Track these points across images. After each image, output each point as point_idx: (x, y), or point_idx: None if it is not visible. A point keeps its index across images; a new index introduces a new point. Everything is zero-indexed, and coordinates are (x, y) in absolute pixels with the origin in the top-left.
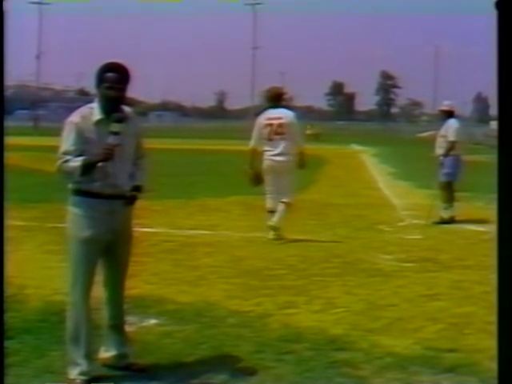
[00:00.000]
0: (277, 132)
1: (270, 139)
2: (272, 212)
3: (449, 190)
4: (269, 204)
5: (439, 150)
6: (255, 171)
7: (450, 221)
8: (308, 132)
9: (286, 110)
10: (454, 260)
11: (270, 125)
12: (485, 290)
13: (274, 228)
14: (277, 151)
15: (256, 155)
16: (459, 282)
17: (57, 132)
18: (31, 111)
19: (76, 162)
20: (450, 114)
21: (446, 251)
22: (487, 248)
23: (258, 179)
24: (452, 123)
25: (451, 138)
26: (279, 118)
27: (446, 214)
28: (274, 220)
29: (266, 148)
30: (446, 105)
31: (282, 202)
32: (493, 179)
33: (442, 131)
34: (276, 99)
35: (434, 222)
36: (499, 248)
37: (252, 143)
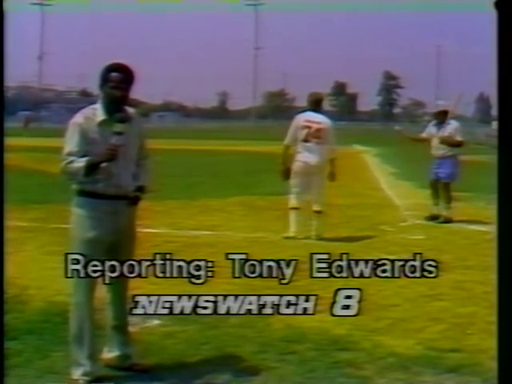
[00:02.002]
0: (314, 135)
1: (306, 141)
2: (295, 209)
3: (444, 190)
4: (293, 201)
5: (438, 151)
6: (287, 167)
7: (448, 220)
8: None
9: (325, 117)
10: (457, 260)
11: (309, 127)
12: (487, 290)
13: (317, 236)
14: (311, 154)
15: (289, 152)
16: (461, 282)
17: (58, 133)
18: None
19: (80, 163)
20: (444, 114)
21: (448, 251)
22: (489, 248)
23: (288, 174)
24: (455, 123)
25: (460, 137)
26: (319, 123)
27: (447, 213)
28: (316, 232)
29: (300, 149)
30: (442, 105)
31: (316, 212)
32: (494, 179)
33: (441, 132)
34: (317, 104)
35: (437, 221)
36: (499, 248)
37: (287, 140)
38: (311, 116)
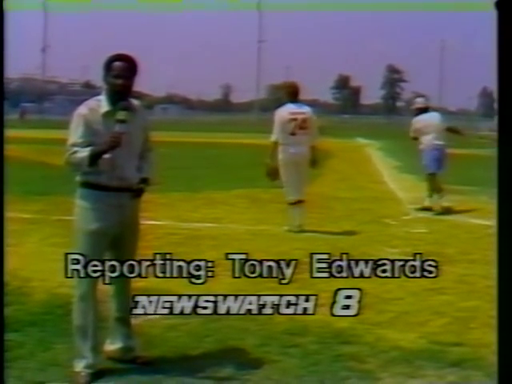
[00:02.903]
0: (301, 127)
1: (294, 133)
2: (295, 203)
3: (432, 182)
4: (291, 197)
5: (420, 145)
6: (275, 165)
7: (430, 209)
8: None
9: (306, 106)
10: (459, 254)
11: (295, 119)
12: (490, 284)
13: (299, 227)
14: (300, 145)
15: (276, 148)
16: (464, 275)
17: (61, 125)
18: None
19: (84, 153)
20: (423, 111)
21: (451, 245)
22: (492, 242)
23: (276, 174)
24: (414, 120)
25: (411, 134)
26: (303, 113)
27: (429, 203)
28: (298, 224)
29: (288, 142)
30: (419, 102)
31: (298, 202)
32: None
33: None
34: (296, 94)
35: (420, 208)
36: (499, 242)
37: (275, 136)
38: (294, 108)
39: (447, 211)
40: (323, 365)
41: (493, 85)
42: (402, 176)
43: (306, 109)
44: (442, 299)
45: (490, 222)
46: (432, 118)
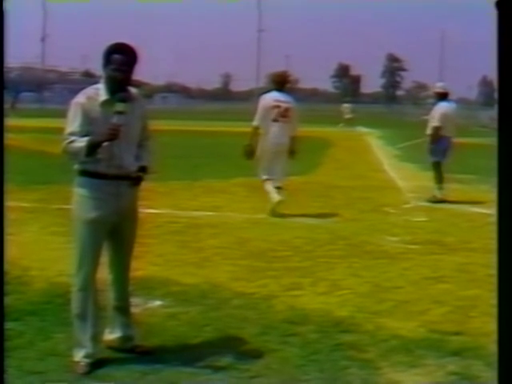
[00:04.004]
0: (283, 115)
1: (275, 120)
2: (267, 180)
3: (437, 170)
4: (264, 175)
5: (428, 131)
6: (252, 147)
7: (441, 201)
8: (347, 116)
9: (290, 96)
10: (460, 242)
11: (278, 107)
12: (490, 272)
13: (280, 202)
14: (281, 133)
15: (257, 133)
16: (464, 264)
17: (61, 114)
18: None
19: (81, 143)
20: (442, 97)
21: (452, 234)
22: (493, 231)
23: (252, 154)
24: (439, 107)
25: (436, 122)
26: (287, 102)
27: (439, 194)
28: (278, 197)
29: (270, 128)
30: (439, 86)
31: (277, 188)
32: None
33: (431, 114)
34: (282, 84)
35: (428, 201)
36: (499, 231)
37: (257, 121)
38: (279, 96)
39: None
40: (323, 354)
41: (493, 74)
42: (402, 165)
43: (290, 99)
44: (442, 288)
45: (491, 211)
46: (451, 108)
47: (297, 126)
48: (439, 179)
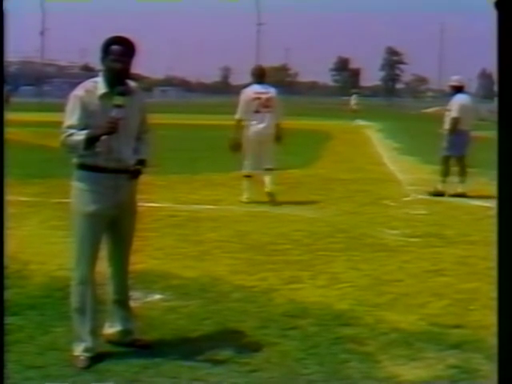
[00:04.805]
0: (264, 105)
1: (258, 111)
2: (248, 177)
3: (459, 165)
4: (246, 169)
5: (446, 125)
6: (237, 140)
7: (462, 195)
8: (354, 107)
9: (270, 86)
10: (459, 235)
11: (259, 98)
12: (490, 265)
13: (271, 194)
14: (264, 123)
15: (241, 126)
16: (464, 257)
17: (61, 108)
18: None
19: (80, 136)
20: (458, 89)
21: (451, 226)
22: (492, 223)
23: (238, 147)
24: (457, 99)
25: (454, 114)
26: (267, 93)
27: (460, 188)
28: (269, 187)
29: (252, 119)
30: (454, 80)
31: (268, 169)
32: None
33: (449, 106)
34: (261, 76)
35: (449, 195)
36: (499, 223)
37: (239, 115)
38: (258, 88)
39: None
40: (323, 347)
41: (492, 67)
42: (402, 157)
43: (271, 89)
44: (441, 281)
45: (490, 204)
46: (469, 100)
47: (280, 114)
48: (462, 173)
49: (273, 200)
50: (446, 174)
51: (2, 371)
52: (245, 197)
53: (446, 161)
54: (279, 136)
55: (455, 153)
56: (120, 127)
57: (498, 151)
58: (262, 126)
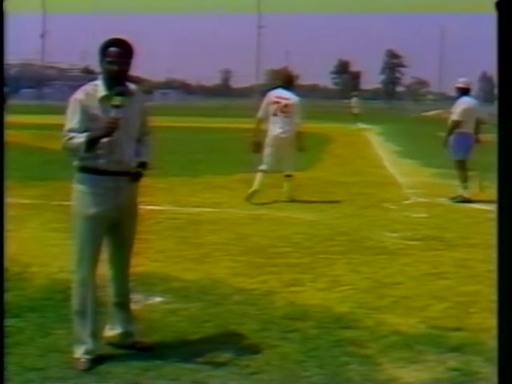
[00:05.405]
0: (282, 110)
1: (275, 115)
2: (263, 171)
3: (461, 169)
4: (263, 167)
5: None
6: (257, 140)
7: (468, 201)
8: (355, 111)
9: (292, 93)
10: (460, 238)
11: (278, 103)
12: (490, 268)
13: (250, 196)
14: (281, 127)
15: (260, 125)
16: (464, 260)
17: (62, 111)
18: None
19: (80, 138)
20: (464, 92)
21: (452, 229)
22: (492, 227)
23: (257, 147)
24: (460, 102)
25: (454, 117)
26: (287, 99)
27: (464, 193)
28: (288, 193)
29: (270, 122)
30: (461, 82)
31: (287, 176)
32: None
33: (453, 109)
34: (287, 81)
35: (455, 201)
36: (499, 227)
37: (259, 114)
38: (281, 93)
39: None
40: (323, 350)
41: (493, 70)
42: (402, 161)
43: (292, 96)
44: (442, 284)
45: (490, 207)
46: (474, 104)
47: (299, 120)
48: (464, 178)
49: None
50: (465, 179)
51: (3, 374)
52: (253, 188)
53: (462, 165)
54: (301, 145)
55: (458, 157)
56: (120, 129)
57: (498, 154)
58: (279, 130)
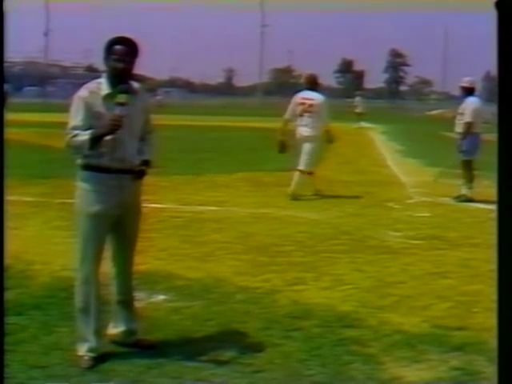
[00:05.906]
0: (307, 110)
1: (301, 115)
2: (299, 171)
3: (467, 169)
4: (300, 166)
5: (458, 128)
6: (283, 140)
7: (470, 200)
8: (358, 110)
9: (318, 94)
10: (462, 238)
11: (303, 104)
12: (492, 268)
13: (293, 195)
14: (305, 126)
15: (287, 126)
16: (467, 260)
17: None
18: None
19: (84, 136)
20: (469, 91)
21: (455, 229)
22: (495, 226)
23: (283, 147)
24: (471, 102)
25: (468, 118)
26: (312, 100)
27: (468, 193)
28: (293, 187)
29: (297, 123)
30: (466, 81)
31: (308, 173)
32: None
33: (461, 109)
34: (312, 83)
35: (458, 200)
36: (499, 226)
37: (286, 115)
38: (306, 94)
39: (470, 199)
40: (326, 348)
41: (496, 70)
42: (405, 160)
43: (317, 96)
44: (444, 283)
45: (493, 207)
46: (480, 103)
47: (325, 119)
48: (470, 178)
49: (295, 198)
50: (471, 179)
51: (3, 371)
52: (290, 189)
53: (468, 165)
54: (330, 138)
55: (466, 156)
56: (124, 126)
57: (498, 153)
58: (304, 129)
